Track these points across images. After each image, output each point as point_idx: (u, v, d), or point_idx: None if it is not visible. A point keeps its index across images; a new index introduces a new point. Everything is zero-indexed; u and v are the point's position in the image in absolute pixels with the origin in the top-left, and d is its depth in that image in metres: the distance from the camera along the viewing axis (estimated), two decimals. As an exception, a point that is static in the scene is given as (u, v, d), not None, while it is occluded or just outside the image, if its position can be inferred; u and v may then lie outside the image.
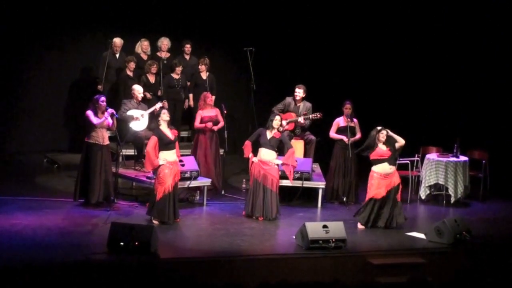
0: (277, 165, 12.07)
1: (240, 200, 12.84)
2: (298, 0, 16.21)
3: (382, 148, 11.75)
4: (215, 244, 10.68)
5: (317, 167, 13.76)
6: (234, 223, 11.73)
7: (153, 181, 11.83)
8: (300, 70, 15.72)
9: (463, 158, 13.52)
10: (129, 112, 13.15)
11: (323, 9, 16.24)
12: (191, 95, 14.79)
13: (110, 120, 11.97)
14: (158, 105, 13.10)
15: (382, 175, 11.69)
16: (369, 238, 11.36)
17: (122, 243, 9.93)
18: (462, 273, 9.94)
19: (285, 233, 11.36)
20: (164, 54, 15.01)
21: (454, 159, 13.40)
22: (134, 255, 9.86)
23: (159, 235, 10.29)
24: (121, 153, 13.01)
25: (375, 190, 11.69)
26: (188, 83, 14.74)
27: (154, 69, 14.29)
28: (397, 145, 11.85)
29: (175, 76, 14.46)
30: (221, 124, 13.34)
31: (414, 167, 13.79)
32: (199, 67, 14.58)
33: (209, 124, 13.20)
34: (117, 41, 14.72)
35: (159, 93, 14.25)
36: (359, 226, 11.77)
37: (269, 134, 12.10)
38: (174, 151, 11.60)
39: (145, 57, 14.89)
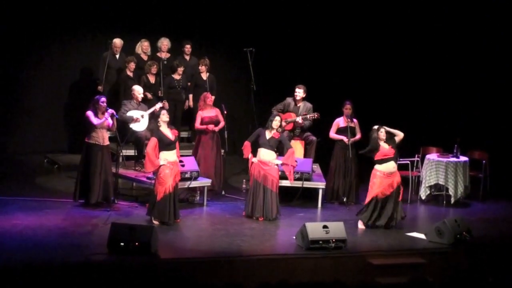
0: (277, 165, 12.07)
1: (240, 201, 12.84)
2: (298, 0, 16.21)
3: (384, 147, 11.73)
4: (215, 245, 10.68)
5: (317, 168, 13.76)
6: (234, 224, 11.73)
7: (153, 181, 11.83)
8: (300, 70, 15.73)
9: (463, 158, 13.52)
10: (129, 113, 13.15)
11: (323, 9, 16.25)
12: (191, 96, 14.79)
13: (110, 121, 11.97)
14: (158, 106, 13.10)
15: (385, 174, 11.68)
16: (369, 239, 11.36)
17: (122, 244, 9.93)
18: (462, 273, 9.93)
19: (285, 234, 11.36)
20: (164, 55, 15.01)
21: (454, 159, 13.40)
22: (134, 255, 9.85)
23: (159, 236, 10.29)
24: (121, 154, 13.01)
25: (378, 189, 11.67)
26: (189, 84, 14.74)
27: (154, 69, 14.29)
28: (396, 139, 11.85)
29: (176, 76, 14.46)
30: (222, 124, 13.33)
31: (414, 167, 13.79)
32: (199, 67, 14.59)
33: (211, 126, 13.19)
34: (117, 41, 14.71)
35: (160, 94, 14.26)
36: (360, 226, 11.77)
37: (268, 134, 12.10)
38: (174, 151, 11.60)
39: (145, 57, 14.89)
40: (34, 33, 15.02)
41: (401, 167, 12.12)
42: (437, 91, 15.94)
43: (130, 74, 14.32)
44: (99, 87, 14.48)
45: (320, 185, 12.94)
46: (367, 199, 11.75)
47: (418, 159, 13.90)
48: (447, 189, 13.34)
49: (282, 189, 12.39)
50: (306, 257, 10.44)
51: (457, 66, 15.65)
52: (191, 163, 12.61)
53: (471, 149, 14.04)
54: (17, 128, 15.39)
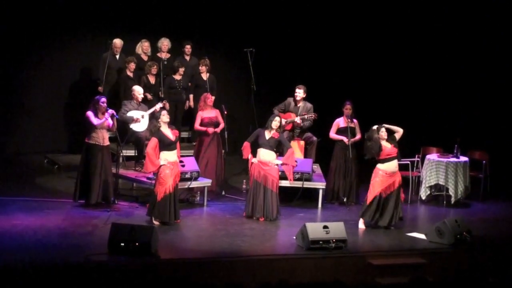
0: (277, 165, 12.06)
1: (241, 201, 12.84)
2: (298, 1, 16.21)
3: (387, 146, 11.71)
4: (216, 245, 10.68)
5: (317, 168, 13.76)
6: (235, 224, 11.73)
7: (153, 181, 11.82)
8: (300, 71, 15.73)
9: (463, 158, 13.52)
10: (130, 113, 13.14)
11: (323, 10, 16.26)
12: (191, 96, 14.79)
13: (110, 121, 11.96)
14: (158, 106, 13.10)
15: (387, 173, 11.66)
16: (370, 239, 11.36)
17: (122, 244, 9.92)
18: (462, 273, 9.92)
19: (286, 234, 11.36)
20: (164, 55, 15.01)
21: (455, 159, 13.40)
22: (134, 256, 9.85)
23: (160, 236, 10.29)
24: (121, 154, 13.01)
25: (380, 187, 11.65)
26: (189, 84, 14.74)
27: (154, 70, 14.29)
28: (397, 135, 11.82)
29: (176, 77, 14.47)
30: (221, 126, 13.33)
31: (415, 168, 13.79)
32: (200, 68, 14.60)
33: (210, 130, 13.18)
34: (117, 41, 14.71)
35: (160, 94, 14.26)
36: (360, 226, 11.76)
37: (267, 135, 12.09)
38: (175, 151, 11.59)
39: (145, 58, 14.89)
40: (34, 33, 15.02)
41: (401, 167, 12.11)
42: (437, 91, 15.94)
43: (130, 74, 14.33)
44: (99, 88, 14.48)
45: (320, 185, 12.94)
46: (369, 199, 11.72)
47: (418, 159, 13.90)
48: (447, 189, 13.34)
49: (282, 189, 12.39)
50: (307, 257, 10.43)
51: (457, 66, 15.66)
52: (191, 164, 12.61)
53: (471, 149, 14.04)
54: (17, 128, 15.39)
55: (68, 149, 15.42)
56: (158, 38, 15.08)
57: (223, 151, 13.46)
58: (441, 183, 13.38)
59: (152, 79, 14.35)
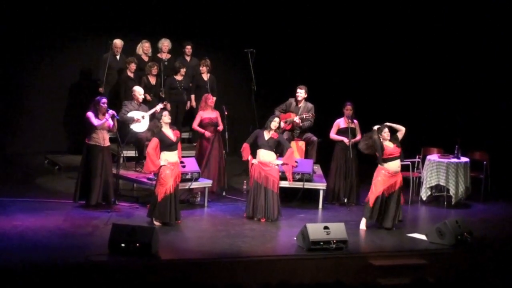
0: (277, 165, 12.06)
1: (241, 202, 12.83)
2: (299, 1, 16.21)
3: (389, 146, 11.69)
4: (216, 246, 10.67)
5: (318, 168, 13.75)
6: (235, 225, 11.72)
7: (154, 182, 11.82)
8: (301, 71, 15.73)
9: (464, 159, 13.51)
10: (130, 114, 13.14)
11: (324, 10, 16.25)
12: (193, 96, 14.79)
13: (110, 122, 11.96)
14: (159, 107, 13.10)
15: (390, 173, 11.64)
16: (370, 239, 11.35)
17: (123, 245, 9.93)
18: (463, 274, 9.93)
19: (286, 235, 11.35)
20: (164, 56, 15.02)
21: (455, 160, 13.39)
22: (135, 256, 9.85)
23: (160, 237, 10.28)
24: (122, 155, 13.00)
25: (381, 187, 11.63)
26: (190, 84, 14.74)
27: (154, 70, 14.29)
28: (399, 134, 11.79)
29: (177, 77, 14.48)
30: (220, 127, 13.32)
31: (415, 168, 13.79)
32: (200, 68, 14.60)
33: (207, 133, 13.17)
34: (118, 42, 14.71)
35: (161, 94, 14.26)
36: (362, 227, 11.74)
37: (266, 135, 12.08)
38: (175, 152, 11.59)
39: (146, 58, 14.89)
40: (35, 34, 15.02)
41: (402, 168, 12.09)
42: (438, 91, 15.93)
43: (131, 75, 14.32)
44: (100, 89, 14.48)
45: (321, 186, 12.93)
46: (372, 199, 11.67)
47: (419, 160, 13.89)
48: (448, 190, 13.33)
49: (282, 190, 12.38)
50: (307, 258, 10.43)
51: (457, 66, 15.65)
52: (192, 164, 12.60)
53: (472, 150, 14.03)
54: (17, 129, 15.39)
55: (68, 150, 15.41)
56: (158, 39, 15.09)
57: (223, 152, 13.45)
58: (441, 183, 13.37)
59: (152, 80, 14.35)
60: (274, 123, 12.07)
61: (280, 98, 13.93)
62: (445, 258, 10.88)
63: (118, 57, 14.77)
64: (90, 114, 11.88)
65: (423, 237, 11.41)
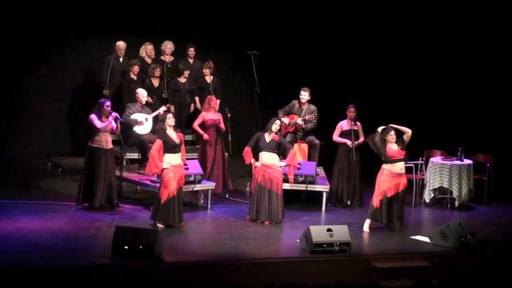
0: (281, 167, 12.05)
1: (244, 204, 12.83)
2: (301, 3, 16.22)
3: (393, 148, 11.67)
4: (219, 248, 10.68)
5: (321, 171, 13.75)
6: (238, 227, 11.72)
7: (157, 184, 11.83)
8: (304, 73, 15.73)
9: (467, 161, 13.50)
10: (133, 116, 13.15)
11: (326, 12, 16.26)
12: (197, 98, 14.78)
13: (114, 124, 11.97)
14: (162, 109, 13.11)
15: (391, 173, 11.63)
16: (374, 242, 11.34)
17: (126, 247, 9.94)
18: (466, 276, 9.92)
19: (289, 237, 11.35)
20: (168, 58, 15.02)
21: (459, 162, 13.38)
22: (138, 258, 9.86)
23: (163, 239, 10.29)
24: (125, 157, 13.01)
25: (384, 186, 11.60)
26: (194, 87, 14.74)
27: (157, 72, 14.30)
28: (405, 137, 11.76)
29: (181, 80, 14.48)
30: (222, 127, 13.31)
31: (419, 171, 13.78)
32: (204, 70, 14.60)
33: (206, 136, 13.17)
34: (121, 44, 14.72)
35: (164, 95, 14.26)
36: (365, 229, 11.73)
37: (268, 137, 12.09)
38: (179, 154, 11.60)
39: (149, 60, 14.89)
40: (38, 36, 15.05)
41: (405, 170, 12.09)
42: (438, 91, 15.91)
43: (134, 77, 14.34)
44: (105, 91, 14.49)
45: (324, 188, 12.93)
46: (376, 200, 11.63)
47: (422, 162, 13.89)
48: (451, 192, 13.33)
49: (286, 192, 12.37)
50: (310, 261, 10.43)
51: (459, 68, 15.63)
52: (195, 167, 12.60)
53: (475, 152, 14.02)
54: (21, 131, 15.41)
55: (72, 152, 15.42)
56: (161, 41, 15.09)
57: (226, 154, 13.46)
58: (445, 186, 13.36)
59: (155, 82, 14.36)
60: (275, 126, 12.07)
61: (284, 100, 13.93)
62: (448, 261, 10.87)
63: (121, 59, 14.78)
64: (93, 117, 11.89)
65: (426, 239, 11.40)
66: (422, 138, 14.44)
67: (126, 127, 13.02)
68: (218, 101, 13.66)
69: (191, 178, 12.36)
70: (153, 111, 13.34)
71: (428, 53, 15.93)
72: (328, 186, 13.00)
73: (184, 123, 14.65)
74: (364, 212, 12.09)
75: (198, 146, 14.10)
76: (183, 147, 11.73)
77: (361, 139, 13.09)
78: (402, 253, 10.97)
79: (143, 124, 13.14)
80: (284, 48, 16.16)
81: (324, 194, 12.87)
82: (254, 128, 14.16)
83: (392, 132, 11.66)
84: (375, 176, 11.80)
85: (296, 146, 13.44)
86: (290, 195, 12.78)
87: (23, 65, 15.16)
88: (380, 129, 11.73)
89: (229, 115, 13.44)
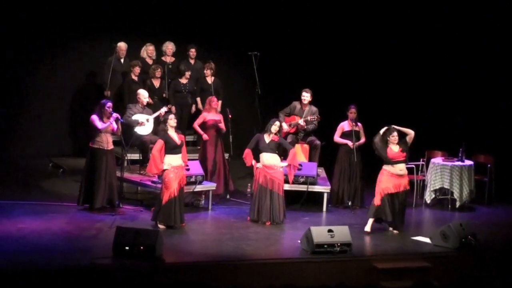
0: (282, 167, 12.06)
1: (245, 205, 12.83)
2: (303, 4, 16.22)
3: (394, 149, 11.66)
4: (220, 249, 10.68)
5: (322, 171, 13.75)
6: (239, 228, 11.73)
7: (158, 185, 11.83)
8: (305, 74, 15.73)
9: (468, 162, 13.51)
10: (134, 117, 13.15)
11: (327, 13, 16.26)
12: (198, 99, 14.77)
13: (115, 125, 11.97)
14: (163, 110, 13.11)
15: (391, 174, 11.62)
16: (374, 243, 11.35)
17: (127, 248, 9.94)
18: (467, 277, 9.91)
19: (290, 238, 11.35)
20: (169, 59, 15.02)
21: (459, 163, 13.39)
22: (139, 259, 9.86)
23: (164, 240, 10.29)
24: (126, 158, 13.02)
25: (384, 185, 11.59)
26: (195, 88, 14.74)
27: (158, 73, 14.30)
28: (408, 139, 11.74)
29: (182, 80, 14.48)
30: (223, 127, 13.31)
31: (419, 171, 13.78)
32: (205, 71, 14.59)
33: (205, 137, 13.17)
34: (122, 45, 14.73)
35: (164, 95, 14.26)
36: (366, 229, 11.72)
37: (267, 138, 12.09)
38: (179, 155, 11.61)
39: (150, 61, 14.90)
40: (39, 37, 15.05)
41: (406, 172, 12.10)
42: (438, 91, 15.91)
43: (135, 78, 14.34)
44: (106, 92, 14.49)
45: (325, 189, 12.93)
46: (377, 200, 11.60)
47: (423, 163, 13.89)
48: (452, 193, 13.33)
49: (287, 193, 12.36)
50: (311, 261, 10.43)
51: (459, 68, 15.63)
52: (196, 167, 12.61)
53: (476, 153, 14.02)
54: (22, 132, 15.41)
55: (73, 153, 15.43)
56: (162, 42, 15.09)
57: (227, 154, 13.46)
58: (446, 186, 13.37)
59: (156, 83, 14.36)
60: (275, 127, 12.07)
61: (285, 101, 13.93)
62: (449, 261, 10.88)
63: (122, 60, 14.79)
64: (94, 117, 11.90)
65: (427, 240, 11.40)
66: (422, 139, 14.45)
67: (127, 128, 13.03)
68: (220, 102, 13.64)
69: (192, 179, 12.36)
70: (154, 111, 13.35)
71: (428, 53, 15.94)
72: (329, 187, 13.01)
73: (186, 124, 14.65)
74: (365, 213, 12.09)
75: (199, 147, 14.09)
76: (184, 149, 11.73)
77: (362, 140, 13.09)
78: (403, 253, 10.97)
79: (144, 125, 13.15)
80: (285, 49, 16.17)
81: (325, 195, 12.88)
82: (255, 128, 14.17)
83: (395, 133, 11.64)
84: (376, 176, 11.80)
85: (298, 146, 13.46)
86: (291, 196, 12.76)
87: (24, 65, 15.17)
88: (382, 130, 11.72)
89: (230, 116, 13.44)
